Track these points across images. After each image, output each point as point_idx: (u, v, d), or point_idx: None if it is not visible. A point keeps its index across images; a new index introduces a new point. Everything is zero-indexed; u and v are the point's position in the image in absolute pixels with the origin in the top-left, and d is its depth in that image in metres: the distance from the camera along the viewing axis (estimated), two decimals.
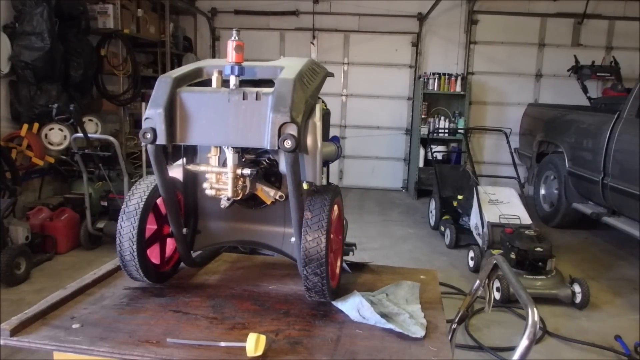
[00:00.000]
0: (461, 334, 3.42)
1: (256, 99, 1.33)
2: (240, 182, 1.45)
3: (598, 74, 7.08)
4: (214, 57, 8.52)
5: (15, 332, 1.29)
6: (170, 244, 1.68)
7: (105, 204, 5.00)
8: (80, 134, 4.63)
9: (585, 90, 7.06)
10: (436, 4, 7.60)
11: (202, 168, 1.48)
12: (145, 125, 1.35)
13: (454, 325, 1.65)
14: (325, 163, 1.79)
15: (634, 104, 4.89)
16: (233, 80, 1.39)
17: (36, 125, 5.08)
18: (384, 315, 1.42)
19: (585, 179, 5.45)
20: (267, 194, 1.54)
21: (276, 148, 1.29)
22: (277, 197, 1.54)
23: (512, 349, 1.20)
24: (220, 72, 1.42)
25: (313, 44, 8.36)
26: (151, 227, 1.57)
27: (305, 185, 1.50)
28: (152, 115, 1.35)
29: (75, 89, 5.50)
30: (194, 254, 1.75)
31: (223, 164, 1.46)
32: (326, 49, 8.39)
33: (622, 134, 4.94)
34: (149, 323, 1.39)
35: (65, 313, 1.42)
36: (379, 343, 1.33)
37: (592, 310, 3.94)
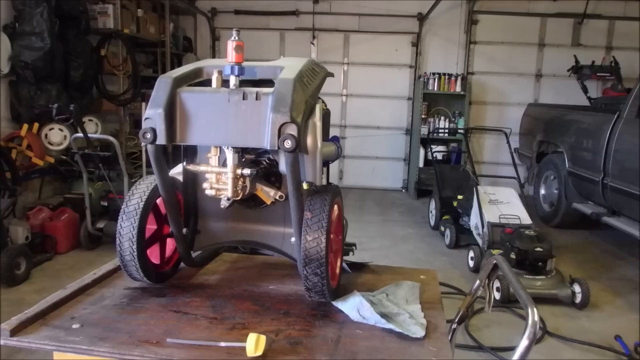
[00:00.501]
0: (461, 334, 3.42)
1: (256, 99, 1.33)
2: (240, 182, 1.45)
3: (598, 74, 7.08)
4: (214, 57, 8.52)
5: (15, 332, 1.29)
6: (170, 244, 1.68)
7: (105, 204, 5.00)
8: (80, 134, 4.63)
9: (585, 90, 7.06)
10: (436, 4, 7.60)
11: (202, 168, 1.48)
12: (145, 125, 1.35)
13: (454, 325, 1.65)
14: (325, 163, 1.79)
15: (634, 104, 4.89)
16: (233, 80, 1.39)
17: (36, 125, 5.08)
18: (384, 315, 1.42)
19: (585, 179, 5.45)
20: (267, 194, 1.54)
21: (276, 148, 1.29)
22: (277, 197, 1.54)
23: (512, 349, 1.20)
24: (220, 72, 1.42)
25: (313, 44, 8.36)
26: (151, 227, 1.57)
27: (305, 185, 1.50)
28: (152, 115, 1.35)
29: (75, 89, 5.50)
30: (194, 254, 1.74)
31: (223, 164, 1.46)
32: (326, 49, 8.39)
33: (622, 134, 4.94)
34: (149, 323, 1.39)
35: (65, 313, 1.42)
36: (379, 343, 1.33)
37: (592, 310, 3.94)
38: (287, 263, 1.84)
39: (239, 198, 1.47)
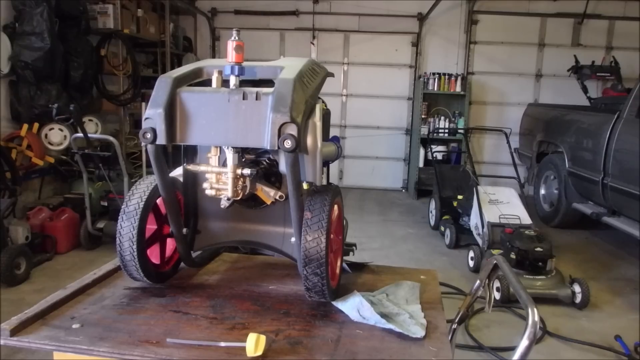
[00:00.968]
0: (461, 334, 3.42)
1: (256, 99, 1.33)
2: (240, 182, 1.45)
3: (598, 74, 7.08)
4: (214, 57, 8.52)
5: (15, 332, 1.29)
6: (170, 244, 1.68)
7: (105, 204, 5.00)
8: (80, 134, 4.63)
9: (585, 90, 7.06)
10: (436, 4, 7.60)
11: (202, 168, 1.48)
12: (145, 125, 1.35)
13: (454, 325, 1.65)
14: (325, 163, 1.79)
15: (634, 104, 4.89)
16: (233, 80, 1.39)
17: (36, 125, 5.08)
18: (384, 316, 1.42)
19: (585, 179, 5.45)
20: (267, 194, 1.54)
21: (276, 148, 1.29)
22: (277, 197, 1.54)
23: (512, 349, 1.20)
24: (220, 72, 1.42)
25: (313, 44, 8.36)
26: (151, 227, 1.57)
27: (305, 185, 1.50)
28: (152, 115, 1.35)
29: (75, 89, 5.50)
30: (194, 254, 1.74)
31: (223, 164, 1.46)
32: (326, 49, 8.38)
33: (622, 134, 4.94)
34: (149, 323, 1.39)
35: (65, 313, 1.42)
36: (379, 343, 1.33)
37: (592, 310, 3.94)
38: (287, 263, 1.84)
39: (239, 198, 1.47)
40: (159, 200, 1.57)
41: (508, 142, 5.64)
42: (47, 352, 1.28)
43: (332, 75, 1.69)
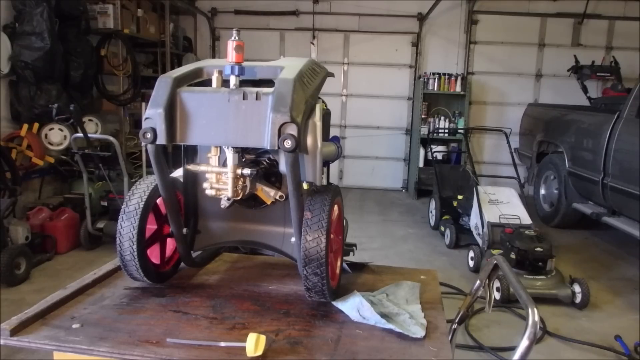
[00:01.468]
0: (461, 334, 3.42)
1: (256, 99, 1.33)
2: (240, 182, 1.45)
3: (598, 74, 7.08)
4: (214, 57, 8.52)
5: (15, 332, 1.29)
6: (170, 244, 1.68)
7: (105, 204, 5.00)
8: (80, 134, 4.63)
9: (585, 90, 7.06)
10: (436, 4, 7.60)
11: (202, 168, 1.48)
12: (145, 125, 1.35)
13: (454, 325, 1.65)
14: (325, 163, 1.79)
15: (634, 104, 4.88)
16: (233, 80, 1.39)
17: (36, 125, 5.08)
18: (384, 316, 1.42)
19: (585, 179, 5.45)
20: (267, 194, 1.54)
21: (276, 148, 1.29)
22: (277, 197, 1.54)
23: (512, 349, 1.20)
24: (220, 72, 1.42)
25: (313, 44, 8.36)
26: (151, 227, 1.57)
27: (305, 185, 1.50)
28: (152, 115, 1.35)
29: (75, 89, 5.50)
30: (194, 254, 1.74)
31: (223, 164, 1.46)
32: (326, 49, 8.39)
33: (622, 134, 4.94)
34: (149, 323, 1.39)
35: (65, 313, 1.42)
36: (379, 343, 1.33)
37: (592, 310, 3.94)
38: (287, 263, 1.84)
39: (239, 198, 1.47)
40: (159, 200, 1.57)
41: (508, 142, 5.63)
42: (47, 352, 1.28)
43: (332, 75, 1.69)
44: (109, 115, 6.55)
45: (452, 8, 8.14)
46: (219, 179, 1.46)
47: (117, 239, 1.48)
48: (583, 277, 4.13)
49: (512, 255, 4.05)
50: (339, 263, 1.62)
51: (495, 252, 4.33)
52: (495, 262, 1.58)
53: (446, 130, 7.95)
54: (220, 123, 1.35)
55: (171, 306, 1.50)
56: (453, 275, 4.53)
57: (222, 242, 1.72)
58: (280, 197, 1.54)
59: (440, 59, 8.33)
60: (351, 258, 1.88)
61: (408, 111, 8.47)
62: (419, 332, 1.36)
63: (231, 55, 1.37)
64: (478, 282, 1.64)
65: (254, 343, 1.21)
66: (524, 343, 1.17)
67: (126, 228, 1.46)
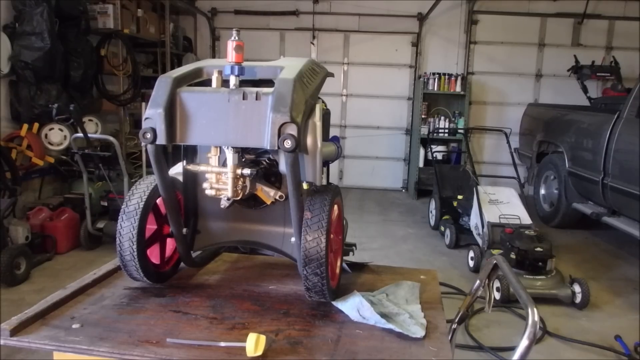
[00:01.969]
0: (461, 334, 3.42)
1: (256, 99, 1.33)
2: (240, 182, 1.45)
3: (598, 74, 7.08)
4: (214, 57, 8.52)
5: (15, 332, 1.29)
6: (170, 244, 1.68)
7: (105, 204, 5.00)
8: (80, 134, 4.63)
9: (585, 90, 7.06)
10: (436, 4, 7.60)
11: (202, 168, 1.48)
12: (145, 125, 1.35)
13: (454, 325, 1.65)
14: (325, 163, 1.79)
15: (634, 104, 4.88)
16: (233, 80, 1.39)
17: (36, 125, 5.08)
18: (384, 315, 1.42)
19: (585, 179, 5.45)
20: (267, 194, 1.54)
21: (276, 148, 1.29)
22: (277, 197, 1.54)
23: (512, 349, 1.20)
24: (220, 72, 1.42)
25: (313, 44, 8.36)
26: (151, 227, 1.57)
27: (305, 185, 1.50)
28: (152, 115, 1.35)
29: (75, 89, 5.50)
30: (194, 254, 1.74)
31: (223, 164, 1.46)
32: (326, 49, 8.38)
33: (622, 134, 4.94)
34: (149, 323, 1.39)
35: (65, 313, 1.42)
36: (379, 343, 1.33)
37: (592, 310, 3.94)
38: (287, 263, 1.84)
39: (239, 198, 1.47)
40: (159, 200, 1.57)
41: (508, 142, 5.64)
42: (47, 352, 1.28)
43: (332, 75, 1.69)
44: (109, 115, 6.55)
45: (452, 8, 8.14)
46: (219, 179, 1.46)
47: (117, 239, 1.48)
48: (583, 277, 4.13)
49: (512, 255, 4.05)
50: (338, 263, 1.62)
51: (495, 252, 4.33)
52: (495, 262, 1.58)
53: (446, 130, 7.95)
54: (220, 123, 1.35)
55: (171, 306, 1.50)
56: (453, 275, 4.53)
57: (222, 242, 1.72)
58: (280, 197, 1.54)
59: (440, 59, 8.33)
60: (351, 258, 1.88)
61: (408, 111, 8.47)
62: (419, 332, 1.36)
63: (231, 55, 1.37)
64: (478, 282, 1.64)
65: (254, 343, 1.21)
66: (524, 343, 1.17)
67: (126, 228, 1.46)
